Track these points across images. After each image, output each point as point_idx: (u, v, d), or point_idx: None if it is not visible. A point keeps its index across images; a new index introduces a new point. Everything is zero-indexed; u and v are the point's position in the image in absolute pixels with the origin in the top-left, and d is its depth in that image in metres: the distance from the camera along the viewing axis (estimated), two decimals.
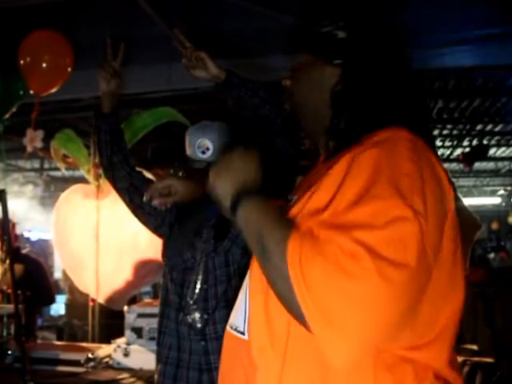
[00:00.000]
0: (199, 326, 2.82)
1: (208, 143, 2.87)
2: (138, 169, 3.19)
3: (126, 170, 3.06)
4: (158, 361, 2.99)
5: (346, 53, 1.52)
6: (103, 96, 3.00)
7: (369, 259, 1.15)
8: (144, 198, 2.32)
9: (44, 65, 4.52)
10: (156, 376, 3.02)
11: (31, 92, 4.72)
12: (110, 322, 6.11)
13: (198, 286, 2.83)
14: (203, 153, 2.88)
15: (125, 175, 3.07)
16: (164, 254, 3.07)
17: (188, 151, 2.94)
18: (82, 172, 6.23)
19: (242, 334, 1.50)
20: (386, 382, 1.30)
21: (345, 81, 1.51)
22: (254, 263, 1.48)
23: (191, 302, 2.82)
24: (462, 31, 4.50)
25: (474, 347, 6.37)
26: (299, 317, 1.22)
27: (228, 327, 1.66)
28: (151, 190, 2.48)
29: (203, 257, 2.87)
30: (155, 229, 3.16)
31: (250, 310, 1.49)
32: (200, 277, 2.84)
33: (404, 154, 1.30)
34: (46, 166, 10.85)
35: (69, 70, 4.55)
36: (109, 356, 4.40)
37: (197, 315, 2.82)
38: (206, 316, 2.82)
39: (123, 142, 3.13)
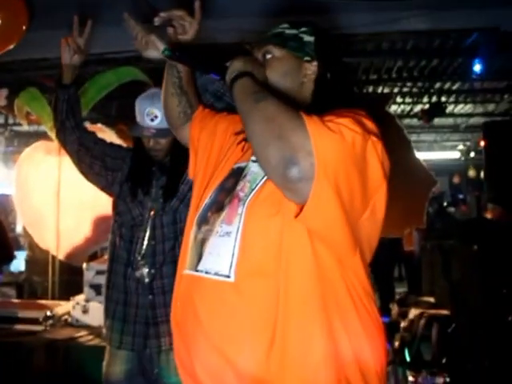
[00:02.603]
0: (147, 280, 2.96)
1: (156, 111, 2.99)
2: (89, 130, 3.31)
3: (76, 135, 3.16)
4: (106, 316, 3.11)
5: (320, 53, 2.02)
6: (65, 67, 3.07)
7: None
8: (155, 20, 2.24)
9: None
10: (104, 330, 3.10)
11: None
12: (71, 279, 6.10)
13: (146, 242, 2.97)
14: (152, 120, 3.01)
15: (75, 139, 3.16)
16: (114, 211, 3.18)
17: (137, 119, 3.05)
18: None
19: (227, 276, 1.75)
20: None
21: (322, 72, 2.01)
22: (248, 217, 1.78)
23: (139, 258, 2.94)
24: None
25: (432, 299, 6.49)
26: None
27: (201, 274, 1.83)
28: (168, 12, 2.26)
29: (151, 215, 3.00)
30: (104, 188, 3.26)
31: (243, 253, 1.75)
32: (148, 233, 2.99)
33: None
34: (11, 121, 10.72)
35: (23, 27, 4.47)
36: (67, 313, 4.41)
37: (145, 270, 2.96)
38: (153, 271, 2.96)
39: (79, 109, 3.21)
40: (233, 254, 1.76)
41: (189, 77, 2.36)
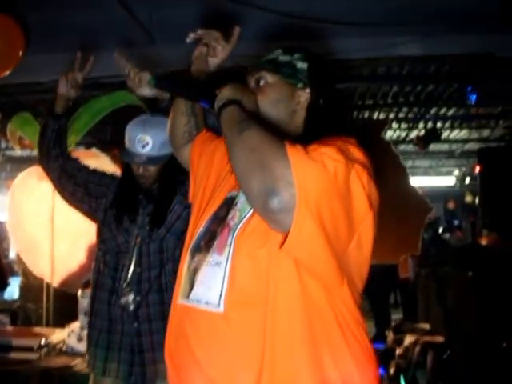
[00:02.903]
0: (132, 307, 2.92)
1: (148, 138, 2.96)
2: (73, 157, 3.32)
3: (59, 162, 3.17)
4: (89, 344, 3.06)
5: (313, 80, 2.03)
6: (59, 97, 3.11)
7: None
8: (190, 36, 2.27)
9: None
10: (87, 358, 3.07)
11: None
12: (66, 305, 6.06)
13: (132, 269, 2.93)
14: (143, 147, 2.97)
15: (57, 167, 3.17)
16: (98, 238, 3.15)
17: (128, 145, 3.02)
18: None
19: (217, 306, 1.74)
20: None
21: (315, 99, 2.03)
22: (237, 247, 1.78)
23: (124, 285, 2.91)
24: (411, 24, 4.69)
25: (427, 326, 6.48)
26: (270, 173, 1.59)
27: (193, 303, 1.83)
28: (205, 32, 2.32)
29: (138, 242, 2.97)
30: (87, 213, 3.25)
31: (232, 284, 1.75)
32: (134, 260, 2.95)
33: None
34: (3, 145, 10.71)
35: (20, 53, 4.48)
36: (62, 341, 4.37)
37: (130, 297, 2.92)
38: (138, 298, 2.92)
39: (65, 139, 3.23)
40: (222, 285, 1.76)
41: None
